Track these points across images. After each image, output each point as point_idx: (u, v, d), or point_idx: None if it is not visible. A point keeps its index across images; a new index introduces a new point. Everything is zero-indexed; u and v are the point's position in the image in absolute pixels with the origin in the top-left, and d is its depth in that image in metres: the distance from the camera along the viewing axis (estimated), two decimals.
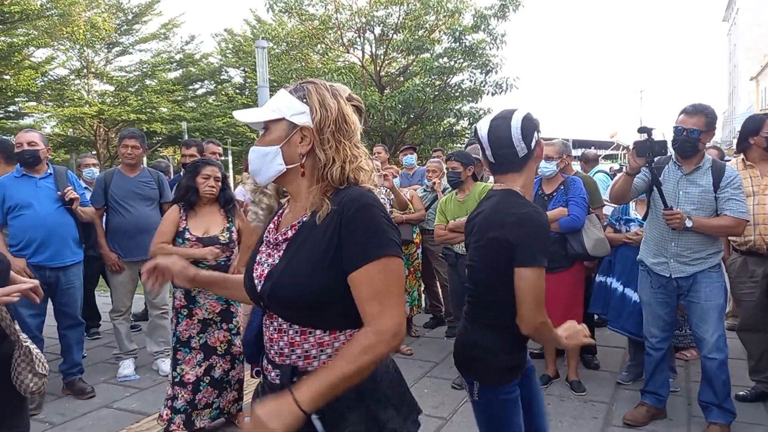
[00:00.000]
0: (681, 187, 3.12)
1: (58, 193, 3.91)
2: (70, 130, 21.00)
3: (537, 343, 1.89)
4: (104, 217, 4.40)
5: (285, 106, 1.39)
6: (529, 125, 1.86)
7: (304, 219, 1.38)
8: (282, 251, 1.38)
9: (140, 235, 4.25)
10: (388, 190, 4.78)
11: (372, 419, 1.34)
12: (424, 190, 5.32)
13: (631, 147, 3.16)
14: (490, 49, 13.79)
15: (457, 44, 13.51)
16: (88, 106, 18.49)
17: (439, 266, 5.10)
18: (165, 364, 4.38)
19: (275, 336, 1.39)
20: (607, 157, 21.17)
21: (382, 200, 1.42)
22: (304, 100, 1.38)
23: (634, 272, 3.55)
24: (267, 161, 1.39)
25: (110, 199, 4.31)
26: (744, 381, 3.80)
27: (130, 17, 20.19)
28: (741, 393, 3.65)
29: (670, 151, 3.13)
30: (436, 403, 3.76)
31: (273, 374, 1.40)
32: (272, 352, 1.40)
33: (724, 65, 63.04)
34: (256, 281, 1.41)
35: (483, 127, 1.91)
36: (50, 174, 3.97)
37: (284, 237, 1.40)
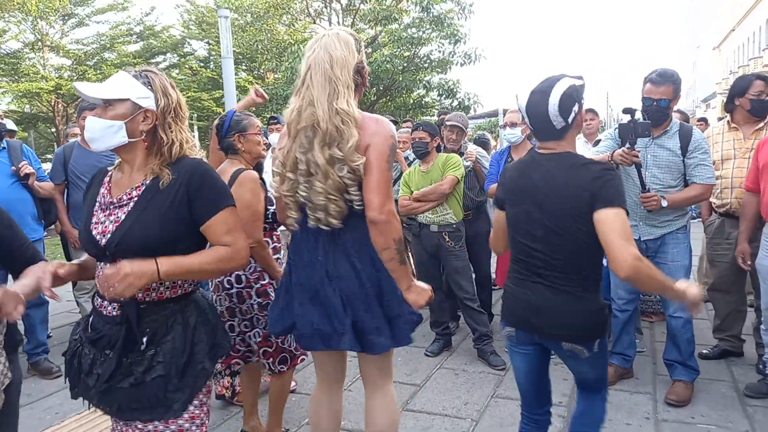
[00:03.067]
0: (649, 150, 3.15)
1: (12, 168, 3.75)
2: (27, 106, 20.22)
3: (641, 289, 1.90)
4: (65, 193, 4.25)
5: (130, 88, 1.64)
6: (569, 100, 1.85)
7: (147, 183, 1.67)
8: (129, 208, 1.65)
9: None
10: None
11: (190, 336, 1.68)
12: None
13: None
14: (458, 19, 13.72)
15: (425, 14, 13.40)
16: (44, 80, 17.76)
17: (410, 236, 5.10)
18: None
19: None
20: None
21: None
22: (149, 87, 1.66)
23: None
24: (110, 132, 1.64)
25: (70, 173, 4.14)
26: (706, 340, 3.92)
27: None
28: (704, 351, 3.77)
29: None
30: (410, 371, 3.79)
31: (110, 308, 1.67)
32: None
33: (687, 35, 63.99)
34: (97, 237, 1.66)
35: (522, 98, 1.93)
36: (4, 148, 3.80)
37: (129, 197, 1.67)
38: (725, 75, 38.86)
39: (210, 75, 19.97)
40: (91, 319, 1.76)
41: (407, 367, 3.85)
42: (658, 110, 3.06)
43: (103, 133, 1.64)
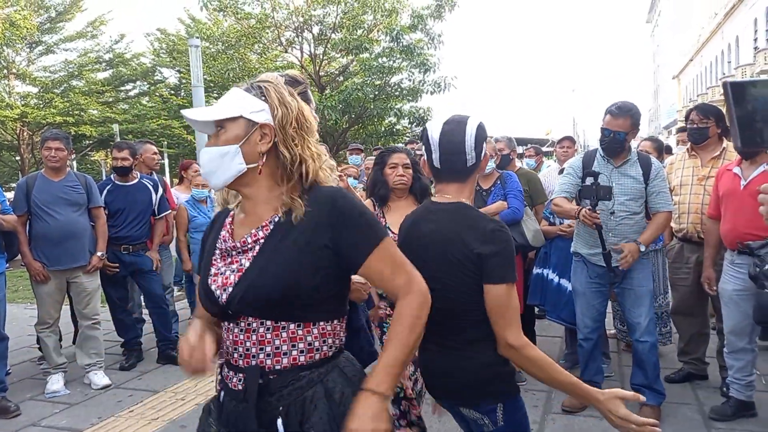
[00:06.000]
0: (614, 179, 3.24)
1: None
2: None
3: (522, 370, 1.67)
4: (28, 224, 4.16)
5: (241, 103, 1.36)
6: (482, 134, 1.76)
7: (276, 219, 1.35)
8: (254, 253, 1.34)
9: (67, 242, 4.06)
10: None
11: (340, 414, 1.29)
12: (364, 189, 5.32)
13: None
14: (428, 48, 13.98)
15: (395, 44, 13.62)
16: (9, 108, 17.41)
17: None
18: (97, 377, 4.18)
19: (241, 337, 1.34)
20: (544, 154, 21.85)
21: None
22: (263, 98, 1.36)
23: (569, 263, 3.66)
24: (226, 161, 1.34)
25: (33, 204, 4.06)
26: (671, 363, 3.99)
27: (53, 15, 19.19)
28: (671, 375, 3.83)
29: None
30: None
31: (235, 380, 1.35)
32: (236, 355, 1.35)
33: (648, 64, 66.38)
34: (217, 292, 1.35)
35: (434, 129, 1.76)
36: None
37: (254, 238, 1.35)
38: (685, 103, 40.29)
39: (181, 103, 19.85)
40: (222, 396, 1.42)
41: None
42: (614, 141, 3.19)
43: (218, 164, 1.34)
